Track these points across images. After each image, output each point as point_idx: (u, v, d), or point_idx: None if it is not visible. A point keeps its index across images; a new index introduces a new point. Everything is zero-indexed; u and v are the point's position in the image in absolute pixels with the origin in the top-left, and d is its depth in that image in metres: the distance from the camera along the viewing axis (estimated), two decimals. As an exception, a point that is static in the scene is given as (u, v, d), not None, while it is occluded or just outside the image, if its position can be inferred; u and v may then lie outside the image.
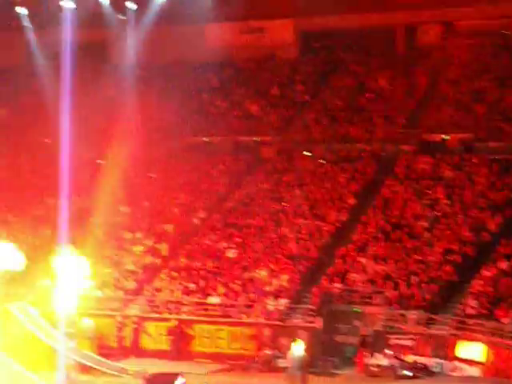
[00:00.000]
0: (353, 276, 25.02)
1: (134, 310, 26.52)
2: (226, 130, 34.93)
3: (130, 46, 34.97)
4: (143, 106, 33.58)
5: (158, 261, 28.70)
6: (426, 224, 26.35)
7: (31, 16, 36.01)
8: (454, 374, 21.72)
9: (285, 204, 29.86)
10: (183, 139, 35.01)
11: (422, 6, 33.13)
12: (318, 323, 24.32)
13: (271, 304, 25.19)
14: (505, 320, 21.33)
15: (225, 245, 28.44)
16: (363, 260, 25.65)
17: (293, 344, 20.88)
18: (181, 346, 25.35)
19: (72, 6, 30.81)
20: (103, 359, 24.25)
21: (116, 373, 23.35)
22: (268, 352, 24.07)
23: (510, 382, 19.96)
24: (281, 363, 22.80)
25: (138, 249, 29.48)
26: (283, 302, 24.96)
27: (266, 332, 24.68)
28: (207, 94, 36.96)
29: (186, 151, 34.63)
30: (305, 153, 32.40)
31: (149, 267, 28.27)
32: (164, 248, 28.74)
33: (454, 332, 22.41)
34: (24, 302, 25.58)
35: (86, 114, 31.64)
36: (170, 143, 34.34)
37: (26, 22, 35.99)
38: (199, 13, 33.02)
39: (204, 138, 34.90)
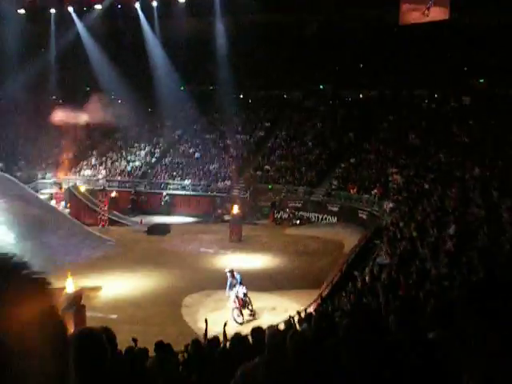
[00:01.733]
0: (266, 168, 32.68)
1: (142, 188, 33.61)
2: None
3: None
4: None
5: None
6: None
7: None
8: (324, 222, 28.76)
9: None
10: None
11: None
12: (248, 195, 31.09)
13: (220, 184, 32.45)
14: (353, 192, 28.59)
15: (193, 150, 36.01)
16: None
17: (234, 206, 26.35)
18: (170, 209, 32.15)
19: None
20: (123, 215, 30.20)
21: (131, 224, 29.24)
22: (219, 211, 30.37)
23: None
24: (226, 218, 28.25)
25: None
26: (228, 183, 32.45)
27: (218, 200, 31.47)
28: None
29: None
30: None
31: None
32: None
33: (324, 198, 29.27)
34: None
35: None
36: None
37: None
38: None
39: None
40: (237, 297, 15.29)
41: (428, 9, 28.07)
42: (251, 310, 15.59)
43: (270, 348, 3.20)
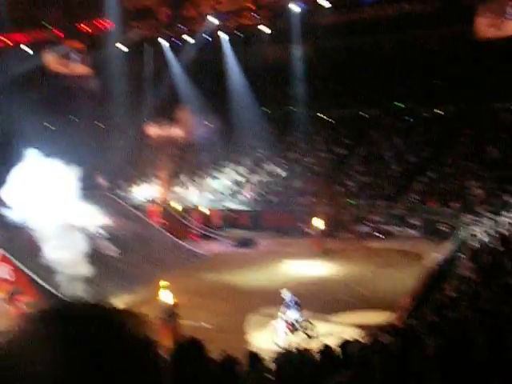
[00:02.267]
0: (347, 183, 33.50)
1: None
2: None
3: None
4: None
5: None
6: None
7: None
8: (404, 235, 28.72)
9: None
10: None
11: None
12: (330, 210, 31.31)
13: (304, 199, 34.76)
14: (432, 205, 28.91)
15: (277, 168, 36.35)
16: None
17: (316, 221, 26.61)
18: (257, 224, 32.39)
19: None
20: (214, 230, 30.67)
21: (222, 238, 29.52)
22: (303, 225, 29.13)
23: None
24: (309, 232, 27.14)
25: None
26: (311, 199, 32.22)
27: (301, 215, 30.64)
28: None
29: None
30: None
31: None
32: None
33: (404, 212, 29.92)
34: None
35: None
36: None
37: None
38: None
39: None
40: (286, 320, 14.90)
41: (503, 22, 26.98)
42: (308, 336, 14.95)
43: (357, 362, 3.19)
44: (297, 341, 14.32)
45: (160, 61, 36.88)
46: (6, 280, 19.92)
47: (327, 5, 26.20)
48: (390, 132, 35.59)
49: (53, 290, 18.83)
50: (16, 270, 19.65)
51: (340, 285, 19.97)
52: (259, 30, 32.06)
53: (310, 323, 15.09)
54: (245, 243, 27.84)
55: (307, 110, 36.51)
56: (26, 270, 19.46)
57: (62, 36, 31.97)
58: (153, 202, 33.12)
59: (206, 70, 36.64)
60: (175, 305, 15.23)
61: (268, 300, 17.16)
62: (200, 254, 25.73)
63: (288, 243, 27.68)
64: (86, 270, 19.01)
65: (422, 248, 24.37)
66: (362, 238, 28.43)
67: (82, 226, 21.65)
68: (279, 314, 15.02)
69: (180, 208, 31.98)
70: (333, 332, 14.65)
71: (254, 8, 28.35)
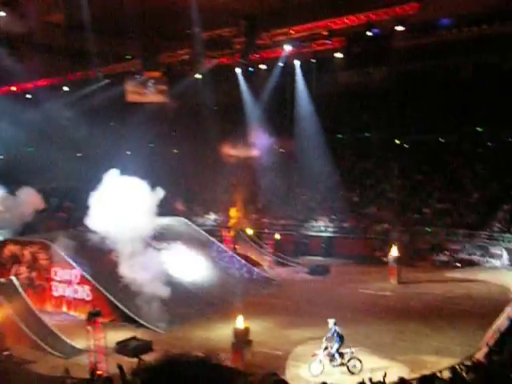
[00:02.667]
0: (424, 211, 32.50)
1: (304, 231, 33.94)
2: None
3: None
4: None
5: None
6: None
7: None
8: (487, 265, 26.97)
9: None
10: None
11: None
12: (406, 238, 31.62)
13: (378, 226, 34.39)
14: None
15: (351, 194, 36.38)
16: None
17: (392, 248, 25.51)
18: (330, 251, 32.12)
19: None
20: (287, 256, 30.40)
21: (294, 265, 29.78)
22: (378, 253, 29.54)
23: None
24: (385, 260, 26.68)
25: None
26: (386, 226, 32.45)
27: (376, 242, 31.67)
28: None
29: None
30: None
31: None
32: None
33: (486, 241, 28.57)
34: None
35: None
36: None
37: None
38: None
39: None
40: (326, 347, 14.62)
41: None
42: (349, 370, 14.55)
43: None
44: (335, 372, 14.33)
45: (234, 87, 37.57)
46: (84, 300, 20.70)
47: (401, 28, 25.87)
48: (469, 158, 34.36)
49: (129, 312, 19.32)
50: (94, 290, 20.38)
51: (410, 316, 19.27)
52: (333, 55, 32.00)
53: (358, 359, 14.67)
54: (318, 270, 27.55)
55: (382, 136, 35.82)
56: (103, 290, 20.10)
57: (141, 66, 33.32)
58: (227, 227, 33.43)
59: (279, 95, 36.95)
60: (248, 330, 15.23)
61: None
62: (273, 280, 25.69)
63: (362, 271, 27.26)
64: (163, 292, 19.42)
65: (505, 279, 23.21)
66: (439, 268, 27.52)
67: (161, 250, 22.29)
68: (322, 342, 14.83)
69: (253, 233, 32.10)
70: (381, 367, 14.13)
71: (327, 34, 28.38)
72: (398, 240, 27.87)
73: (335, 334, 14.72)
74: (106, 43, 29.28)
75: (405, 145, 37.90)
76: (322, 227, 33.78)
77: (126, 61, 33.50)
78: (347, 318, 17.72)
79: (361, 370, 14.30)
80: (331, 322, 14.99)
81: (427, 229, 30.08)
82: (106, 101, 35.24)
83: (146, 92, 34.59)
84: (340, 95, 36.17)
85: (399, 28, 26.31)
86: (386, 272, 24.89)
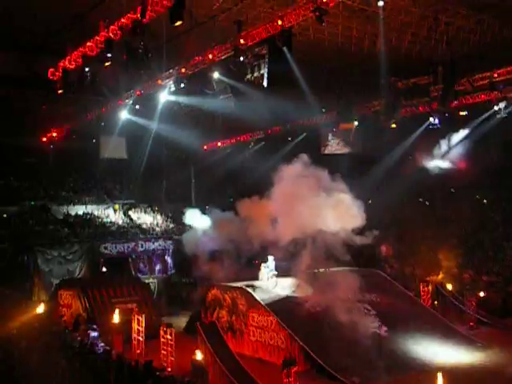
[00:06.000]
0: None
1: None
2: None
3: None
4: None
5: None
6: None
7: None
8: None
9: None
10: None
11: None
12: None
13: None
14: None
15: None
16: None
17: None
18: None
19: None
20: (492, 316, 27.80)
21: (503, 327, 26.92)
22: None
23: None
24: None
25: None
26: None
27: None
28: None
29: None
30: None
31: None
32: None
33: None
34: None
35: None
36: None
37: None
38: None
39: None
40: None
41: None
42: None
43: None
44: None
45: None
46: (278, 347, 21.19)
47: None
48: None
49: (321, 361, 19.29)
50: (288, 337, 20.72)
51: None
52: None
53: None
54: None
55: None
56: (296, 338, 20.34)
57: (336, 119, 34.61)
58: (424, 280, 32.10)
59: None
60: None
61: None
62: (476, 341, 23.65)
63: None
64: (356, 346, 19.15)
65: None
66: None
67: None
68: None
69: (453, 288, 30.18)
70: None
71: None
72: None
73: None
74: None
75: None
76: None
77: (321, 114, 34.78)
78: None
79: None
80: None
81: None
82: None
83: (340, 143, 35.81)
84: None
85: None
86: None
